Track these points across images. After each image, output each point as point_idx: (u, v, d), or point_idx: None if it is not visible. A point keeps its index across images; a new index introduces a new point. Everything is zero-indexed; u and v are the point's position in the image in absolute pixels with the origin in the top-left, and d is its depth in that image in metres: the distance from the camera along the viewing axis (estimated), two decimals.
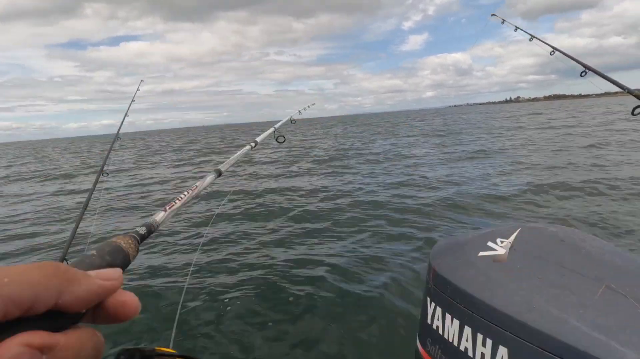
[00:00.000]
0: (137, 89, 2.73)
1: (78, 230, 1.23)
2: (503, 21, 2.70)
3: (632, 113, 1.35)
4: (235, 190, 9.97)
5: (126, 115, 2.46)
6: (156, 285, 4.20)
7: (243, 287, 4.09)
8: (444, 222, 6.13)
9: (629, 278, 1.10)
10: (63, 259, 1.08)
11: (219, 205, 8.00)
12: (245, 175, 12.85)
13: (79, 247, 4.04)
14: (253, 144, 1.49)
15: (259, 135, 1.63)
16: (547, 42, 2.02)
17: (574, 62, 1.74)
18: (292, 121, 2.15)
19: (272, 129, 1.74)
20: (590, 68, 1.70)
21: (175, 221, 7.04)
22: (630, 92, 1.42)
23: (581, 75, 1.73)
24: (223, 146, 30.50)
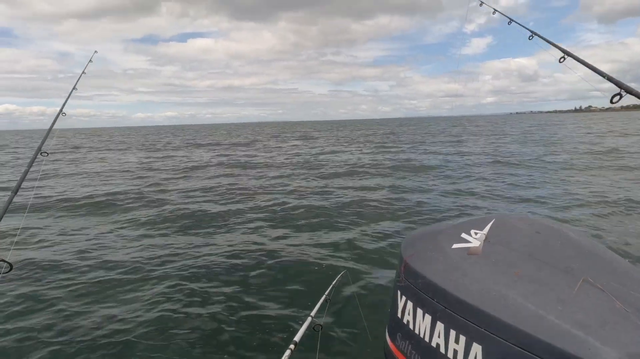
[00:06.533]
0: (90, 60, 2.47)
1: (5, 216, 1.07)
2: (481, 3, 2.64)
3: (611, 102, 1.31)
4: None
5: (74, 88, 2.22)
6: None
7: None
8: None
9: (606, 270, 1.06)
10: None
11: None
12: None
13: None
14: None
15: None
16: (526, 26, 1.98)
17: (553, 47, 1.70)
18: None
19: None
20: (568, 54, 1.66)
21: None
22: (609, 78, 1.38)
23: (560, 61, 1.69)
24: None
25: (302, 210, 6.86)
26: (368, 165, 12.78)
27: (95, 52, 2.57)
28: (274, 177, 10.94)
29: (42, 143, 1.52)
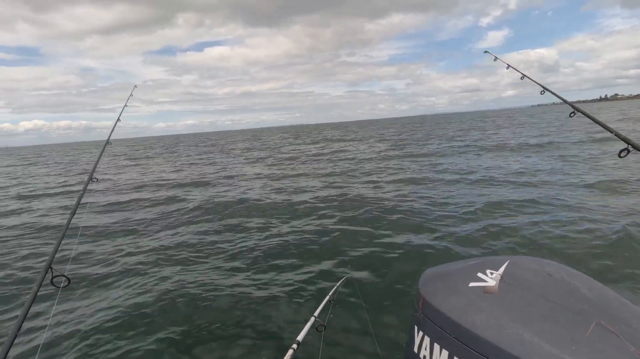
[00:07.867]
0: (130, 94, 2.68)
1: (65, 235, 1.18)
2: (495, 58, 2.82)
3: (619, 156, 1.41)
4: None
5: (118, 119, 2.41)
6: None
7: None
8: None
9: (616, 314, 1.12)
10: (49, 267, 1.03)
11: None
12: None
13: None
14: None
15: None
16: (538, 82, 2.12)
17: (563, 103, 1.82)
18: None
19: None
20: (578, 110, 1.78)
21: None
22: (617, 134, 1.49)
23: (570, 116, 1.81)
24: None
25: (311, 211, 6.90)
26: (389, 168, 12.81)
27: (135, 86, 2.78)
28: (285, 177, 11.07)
29: (93, 171, 1.66)
